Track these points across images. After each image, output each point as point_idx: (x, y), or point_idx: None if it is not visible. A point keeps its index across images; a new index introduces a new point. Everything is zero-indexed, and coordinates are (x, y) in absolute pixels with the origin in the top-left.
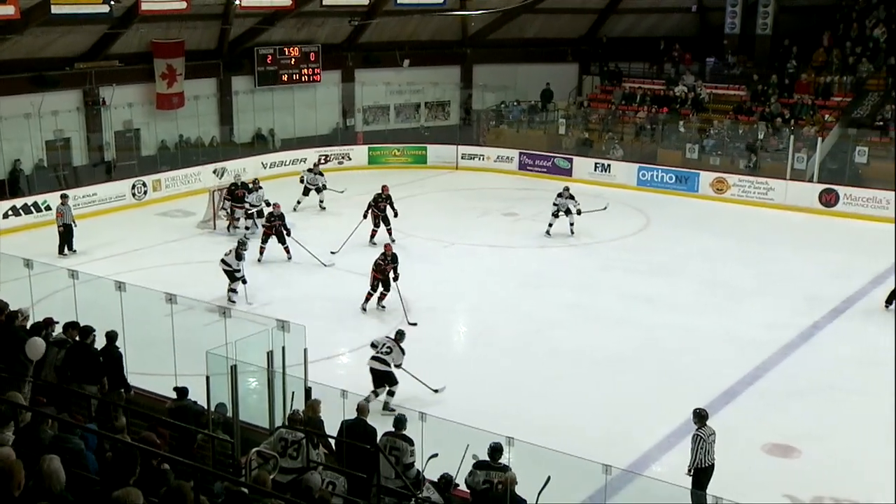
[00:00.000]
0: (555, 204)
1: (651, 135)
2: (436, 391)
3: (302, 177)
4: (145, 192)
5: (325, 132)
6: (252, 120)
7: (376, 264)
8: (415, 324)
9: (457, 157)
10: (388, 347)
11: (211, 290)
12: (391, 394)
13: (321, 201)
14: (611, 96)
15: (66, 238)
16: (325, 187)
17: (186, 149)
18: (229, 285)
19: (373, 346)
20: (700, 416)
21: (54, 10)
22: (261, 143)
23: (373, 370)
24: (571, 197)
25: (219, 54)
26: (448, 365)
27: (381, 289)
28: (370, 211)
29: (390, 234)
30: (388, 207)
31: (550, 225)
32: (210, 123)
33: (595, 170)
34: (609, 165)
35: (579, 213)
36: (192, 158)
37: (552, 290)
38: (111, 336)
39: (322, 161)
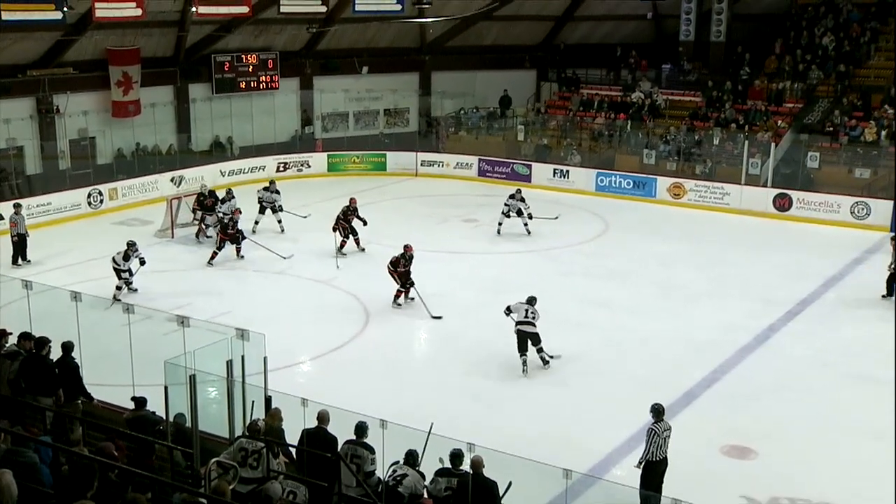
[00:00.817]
0: (506, 204)
1: (609, 141)
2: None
3: (259, 196)
4: (101, 201)
5: (284, 140)
6: (210, 128)
7: (392, 263)
8: (439, 317)
9: (416, 164)
10: (533, 313)
11: (169, 299)
12: (541, 349)
13: (279, 221)
14: (569, 102)
15: (19, 248)
16: (281, 209)
17: (143, 157)
18: (116, 284)
19: (511, 311)
20: (657, 412)
21: (5, 16)
22: (219, 151)
23: (523, 332)
24: (522, 200)
25: (175, 61)
26: (407, 372)
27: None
28: (338, 224)
29: (358, 244)
30: (356, 219)
31: (500, 224)
32: (167, 131)
33: (554, 176)
34: (567, 171)
35: (530, 216)
36: (149, 167)
37: (512, 295)
38: (67, 347)
39: (281, 169)
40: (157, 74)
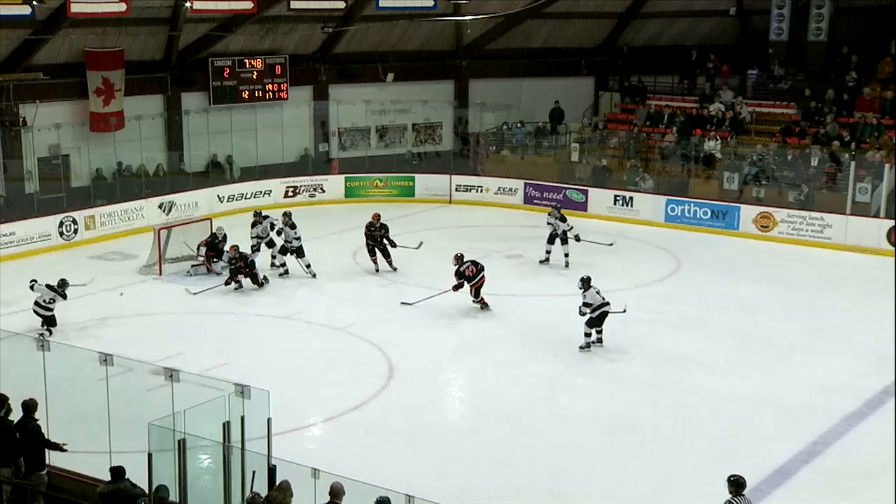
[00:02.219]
0: (549, 223)
1: (682, 163)
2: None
3: (279, 229)
4: (75, 231)
5: (293, 159)
6: (206, 145)
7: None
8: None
9: (450, 189)
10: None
11: (156, 348)
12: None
13: (308, 266)
14: (633, 116)
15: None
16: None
17: (127, 179)
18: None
19: (586, 305)
20: (736, 484)
21: None
22: (216, 173)
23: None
24: (562, 218)
25: (166, 66)
26: (436, 435)
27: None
28: (367, 245)
29: (390, 264)
30: (384, 238)
31: (548, 252)
32: (155, 149)
33: (615, 203)
34: (631, 198)
35: (577, 239)
36: (133, 191)
37: (563, 346)
38: (29, 406)
39: (290, 194)
40: (143, 81)
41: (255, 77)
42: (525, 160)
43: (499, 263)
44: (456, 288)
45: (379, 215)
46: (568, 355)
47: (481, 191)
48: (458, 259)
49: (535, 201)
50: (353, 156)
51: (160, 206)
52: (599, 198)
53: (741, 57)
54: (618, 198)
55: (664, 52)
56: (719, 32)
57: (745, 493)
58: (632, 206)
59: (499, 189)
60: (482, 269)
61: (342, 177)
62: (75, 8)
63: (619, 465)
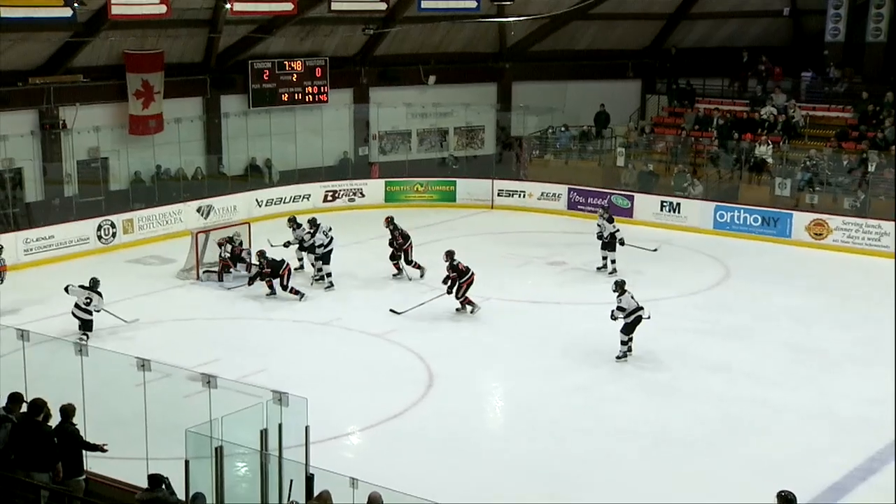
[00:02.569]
0: (598, 225)
1: (732, 167)
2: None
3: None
4: (114, 235)
5: (333, 163)
6: (245, 148)
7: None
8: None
9: (492, 194)
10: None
11: (193, 353)
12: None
13: (328, 275)
14: (681, 120)
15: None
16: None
17: (165, 182)
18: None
19: (621, 309)
20: (786, 500)
21: (4, 13)
22: (255, 176)
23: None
24: (610, 219)
25: (206, 68)
26: (476, 445)
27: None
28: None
29: (418, 266)
30: (400, 236)
31: (604, 258)
32: (194, 152)
33: (661, 209)
34: (679, 205)
35: (622, 242)
36: (171, 194)
37: (606, 355)
38: (67, 411)
39: (329, 198)
40: (183, 84)
41: (294, 79)
42: (569, 165)
43: (541, 270)
44: (448, 283)
45: (389, 218)
46: (611, 365)
47: (524, 196)
48: (450, 255)
49: (579, 207)
50: (393, 160)
51: (198, 210)
52: (645, 203)
53: (794, 59)
54: (664, 204)
55: (714, 53)
56: (772, 33)
57: None
58: (679, 212)
59: (542, 194)
60: (471, 270)
61: (382, 181)
62: (116, 10)
63: (664, 480)
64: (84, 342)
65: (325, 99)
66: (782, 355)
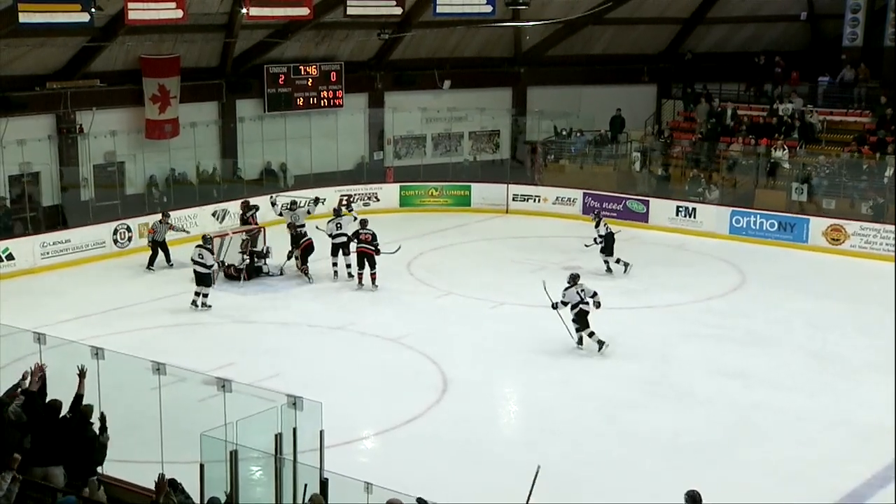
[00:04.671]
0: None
1: (752, 171)
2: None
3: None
4: (130, 239)
5: (349, 167)
6: (260, 152)
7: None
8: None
9: (507, 199)
10: (585, 291)
11: (208, 358)
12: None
13: (347, 267)
14: (696, 124)
15: (157, 254)
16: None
17: (181, 186)
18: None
19: (564, 302)
20: (693, 500)
21: (23, 18)
22: (270, 180)
23: (585, 312)
24: (597, 223)
25: (221, 73)
26: (491, 451)
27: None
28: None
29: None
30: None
31: (605, 262)
32: (210, 156)
33: (677, 214)
34: (694, 210)
35: (587, 245)
36: (187, 198)
37: (623, 361)
38: (84, 412)
39: (344, 202)
40: (199, 88)
41: (310, 84)
42: (584, 169)
43: (556, 275)
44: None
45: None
46: (628, 371)
47: (539, 200)
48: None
49: (593, 212)
50: (408, 164)
51: (214, 214)
52: (661, 208)
53: (811, 63)
54: (680, 209)
55: (730, 58)
56: (789, 38)
57: None
58: (694, 217)
59: (557, 199)
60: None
61: (397, 185)
62: (133, 14)
63: (682, 487)
64: (199, 303)
65: (341, 103)
66: (800, 362)
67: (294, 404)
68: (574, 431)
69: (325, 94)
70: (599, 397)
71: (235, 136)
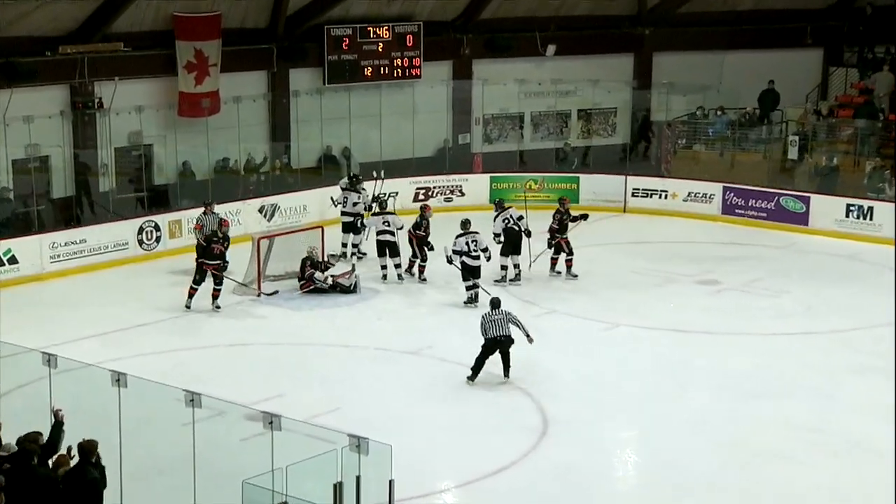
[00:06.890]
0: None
1: None
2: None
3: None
4: (158, 240)
5: (427, 154)
6: (318, 134)
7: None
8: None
9: (625, 194)
10: (474, 241)
11: (252, 387)
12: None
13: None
14: (876, 99)
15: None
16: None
17: (221, 175)
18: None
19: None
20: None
21: None
22: (330, 169)
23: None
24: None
25: (272, 36)
26: None
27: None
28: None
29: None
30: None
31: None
32: (257, 139)
33: (847, 216)
34: (871, 209)
35: (528, 234)
36: (229, 190)
37: (776, 400)
38: (85, 449)
39: (421, 196)
40: (244, 54)
41: (380, 49)
42: (725, 158)
43: (688, 291)
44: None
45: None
46: (781, 414)
47: (666, 196)
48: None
49: (736, 211)
50: (501, 150)
51: (261, 211)
52: (826, 207)
53: None
54: (851, 208)
55: None
56: None
57: None
58: (871, 218)
59: (689, 195)
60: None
61: (486, 176)
62: None
63: None
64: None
65: (418, 73)
66: None
67: (357, 447)
68: (710, 485)
69: (398, 62)
70: (743, 445)
71: (288, 114)
